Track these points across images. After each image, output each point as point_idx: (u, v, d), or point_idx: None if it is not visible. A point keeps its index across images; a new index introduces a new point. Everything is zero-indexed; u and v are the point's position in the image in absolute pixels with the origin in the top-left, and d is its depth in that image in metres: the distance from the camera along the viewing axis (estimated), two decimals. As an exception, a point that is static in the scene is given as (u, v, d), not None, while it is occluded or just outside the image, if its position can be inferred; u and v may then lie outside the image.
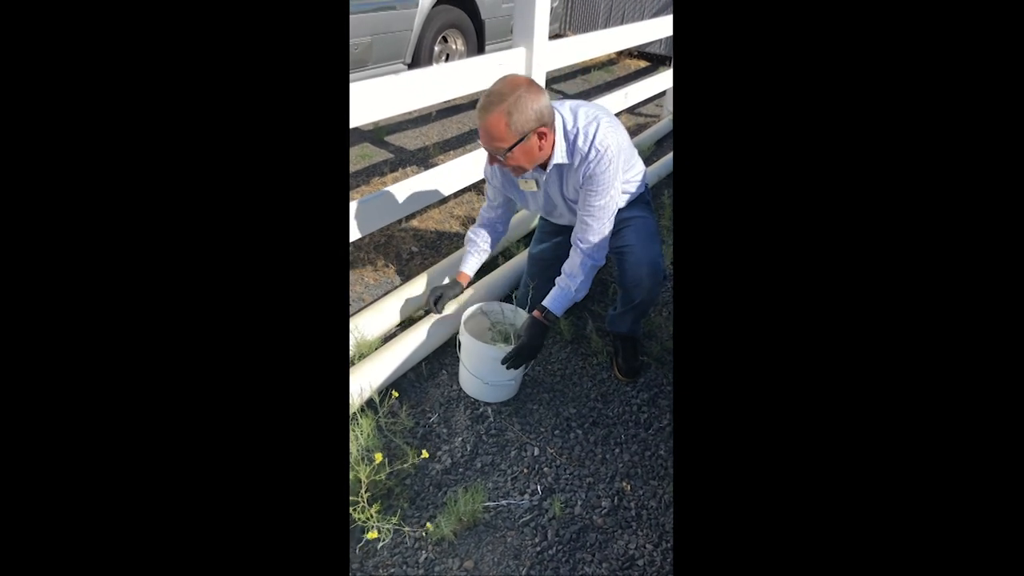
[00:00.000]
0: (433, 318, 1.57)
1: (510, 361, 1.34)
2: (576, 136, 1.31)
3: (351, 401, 1.31)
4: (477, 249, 1.61)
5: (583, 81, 4.43)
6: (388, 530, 1.12)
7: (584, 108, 1.34)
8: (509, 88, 1.19)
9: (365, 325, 1.56)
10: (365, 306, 1.72)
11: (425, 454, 1.26)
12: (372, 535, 1.08)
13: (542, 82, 2.21)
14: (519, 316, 1.52)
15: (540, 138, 1.25)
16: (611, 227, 1.40)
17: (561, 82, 4.35)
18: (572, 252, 1.42)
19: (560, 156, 1.32)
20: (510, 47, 2.10)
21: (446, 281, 1.67)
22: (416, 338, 1.52)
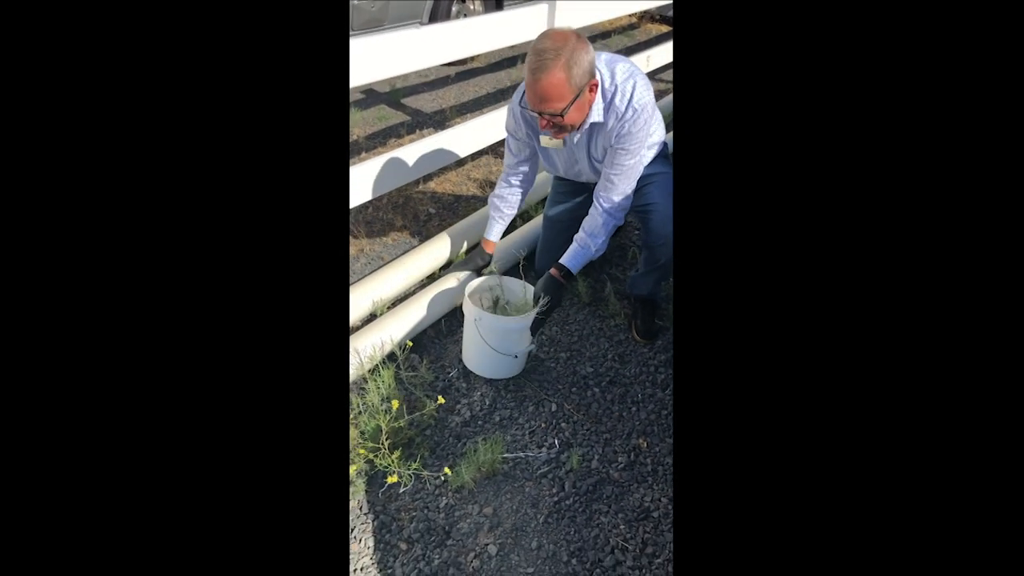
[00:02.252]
0: (451, 277, 1.58)
1: (540, 312, 1.33)
2: (614, 94, 1.26)
3: (372, 354, 1.33)
4: (501, 215, 1.59)
5: (603, 45, 4.32)
6: (409, 476, 1.15)
7: (620, 63, 1.29)
8: (561, 41, 1.12)
9: (385, 283, 1.57)
10: (384, 264, 1.73)
11: (441, 400, 1.27)
12: (392, 479, 1.11)
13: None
14: (522, 288, 1.48)
15: (591, 91, 1.21)
16: (634, 186, 1.37)
17: (580, 46, 4.24)
18: (593, 210, 1.40)
19: (597, 115, 1.27)
20: (528, 4, 2.05)
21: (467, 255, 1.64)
22: (436, 295, 1.53)
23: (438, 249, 1.73)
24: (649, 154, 1.45)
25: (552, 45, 1.12)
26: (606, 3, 2.43)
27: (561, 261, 1.41)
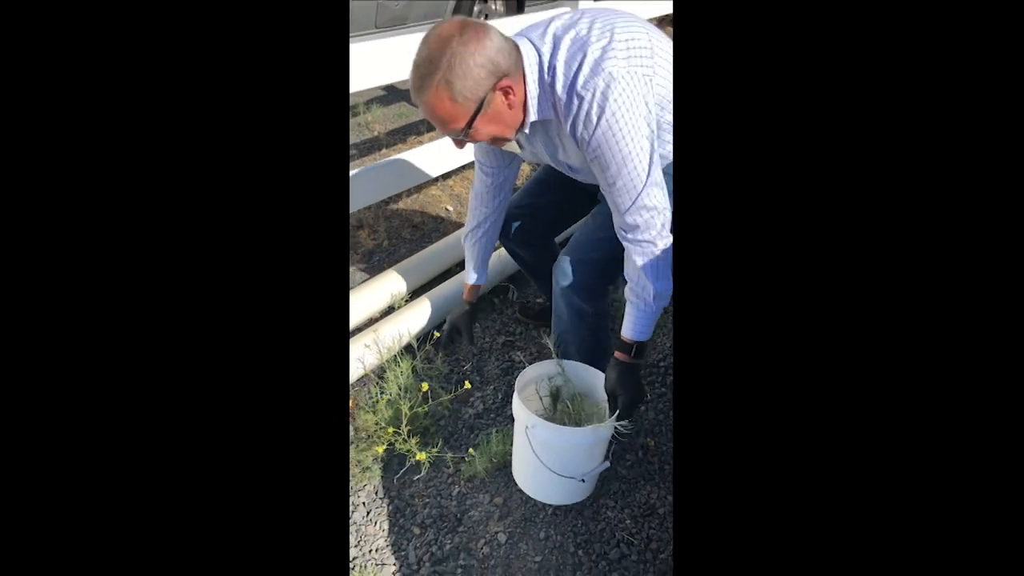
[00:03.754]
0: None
1: (623, 417, 1.03)
2: (554, 78, 0.88)
3: (390, 345, 1.38)
4: (475, 256, 1.27)
5: (622, 48, 4.34)
6: (429, 459, 1.20)
7: (575, 28, 0.90)
8: (437, 47, 0.83)
9: (405, 276, 1.62)
10: (404, 259, 1.78)
11: (468, 385, 1.32)
12: (420, 456, 1.16)
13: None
14: (579, 370, 1.15)
15: (506, 94, 0.87)
16: (659, 193, 0.94)
17: (599, 49, 4.27)
18: (626, 250, 1.00)
19: (532, 111, 0.91)
20: (551, 7, 2.08)
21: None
22: (451, 289, 1.57)
23: (455, 245, 1.77)
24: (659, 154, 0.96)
25: (428, 55, 0.84)
26: (631, 5, 2.45)
27: (623, 335, 1.03)
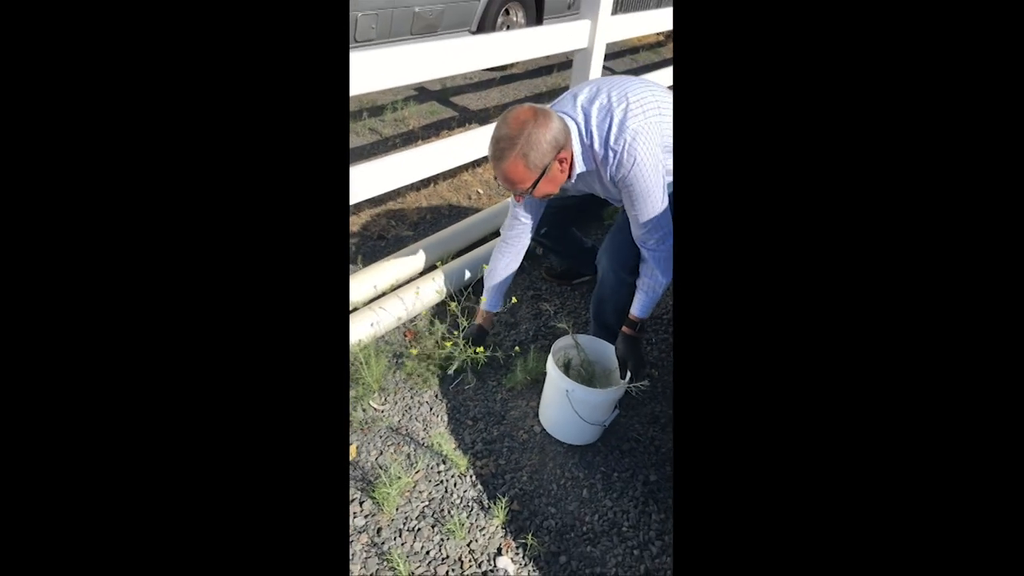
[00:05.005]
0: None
1: (635, 380, 1.35)
2: (592, 140, 1.22)
3: (440, 290, 1.68)
4: (496, 282, 1.52)
5: (631, 60, 4.68)
6: (483, 358, 1.51)
7: (599, 99, 1.22)
8: (516, 128, 1.14)
9: (449, 239, 1.92)
10: (443, 229, 2.08)
11: (515, 299, 1.62)
12: (480, 350, 1.48)
13: (602, 53, 2.48)
14: (591, 342, 1.47)
15: (561, 163, 1.20)
16: (668, 216, 1.27)
17: (610, 60, 4.61)
18: (642, 254, 1.34)
19: (579, 165, 1.25)
20: (566, 21, 2.36)
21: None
22: (488, 249, 1.87)
23: (486, 219, 2.07)
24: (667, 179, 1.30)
25: (508, 133, 1.14)
26: (644, 20, 2.74)
27: (631, 311, 1.37)
